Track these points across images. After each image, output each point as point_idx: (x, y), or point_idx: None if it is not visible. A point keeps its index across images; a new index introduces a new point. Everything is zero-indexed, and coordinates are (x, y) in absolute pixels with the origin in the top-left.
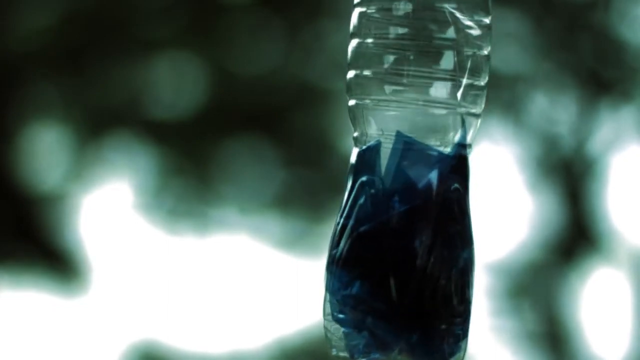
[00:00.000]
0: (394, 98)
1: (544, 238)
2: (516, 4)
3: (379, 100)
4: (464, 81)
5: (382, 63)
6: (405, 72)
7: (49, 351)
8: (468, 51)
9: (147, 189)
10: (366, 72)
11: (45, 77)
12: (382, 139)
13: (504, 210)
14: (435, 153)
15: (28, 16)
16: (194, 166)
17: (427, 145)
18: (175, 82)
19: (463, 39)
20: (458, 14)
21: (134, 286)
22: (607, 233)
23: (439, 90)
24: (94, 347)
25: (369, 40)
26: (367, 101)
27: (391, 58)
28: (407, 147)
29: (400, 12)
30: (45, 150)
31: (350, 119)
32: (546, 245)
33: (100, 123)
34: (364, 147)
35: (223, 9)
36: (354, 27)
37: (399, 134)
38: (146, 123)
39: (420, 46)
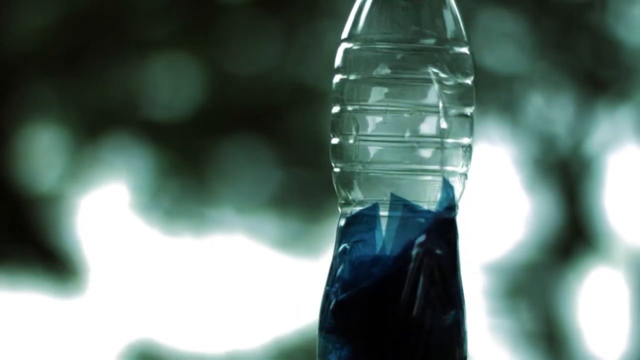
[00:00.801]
0: (378, 161)
1: (541, 238)
2: (512, 4)
3: (365, 164)
4: (448, 141)
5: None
6: (387, 138)
7: (47, 352)
8: (451, 111)
9: (144, 190)
10: (350, 141)
11: (42, 78)
12: (367, 205)
13: (501, 210)
14: (419, 218)
15: (25, 17)
16: (190, 166)
17: (412, 210)
18: (172, 83)
19: (446, 99)
20: (442, 74)
21: (131, 286)
22: (605, 233)
23: (422, 152)
24: (92, 347)
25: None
26: (355, 168)
27: (376, 119)
28: (392, 214)
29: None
30: (42, 151)
31: (335, 184)
32: (543, 245)
33: (97, 123)
34: (349, 214)
35: (220, 9)
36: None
37: (392, 199)
38: (143, 123)
39: (403, 108)
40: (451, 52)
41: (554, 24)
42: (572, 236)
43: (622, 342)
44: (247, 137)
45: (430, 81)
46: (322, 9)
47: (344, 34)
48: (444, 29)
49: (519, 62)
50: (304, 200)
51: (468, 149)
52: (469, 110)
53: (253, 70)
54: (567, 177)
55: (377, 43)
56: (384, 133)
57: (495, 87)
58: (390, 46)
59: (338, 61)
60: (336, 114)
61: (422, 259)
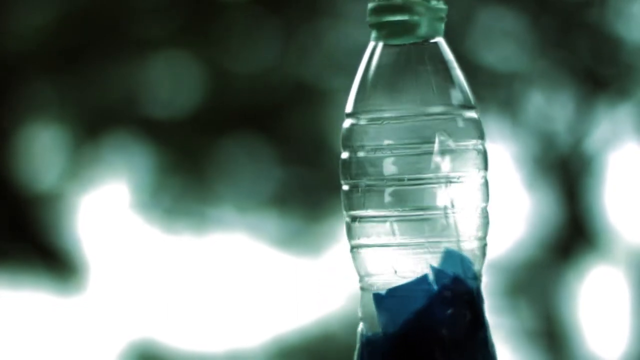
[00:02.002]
0: (394, 242)
1: (541, 236)
2: (512, 2)
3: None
4: (459, 211)
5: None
6: (401, 213)
7: (47, 350)
8: (462, 178)
9: (144, 188)
10: (365, 217)
11: (42, 77)
12: (390, 283)
13: (501, 208)
14: (418, 293)
15: (24, 16)
16: (191, 165)
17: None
18: (171, 81)
19: (457, 167)
20: (452, 142)
21: (131, 285)
22: (605, 231)
23: (435, 225)
24: (92, 346)
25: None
26: (370, 244)
27: (386, 192)
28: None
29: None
30: (42, 150)
31: (353, 263)
32: (543, 243)
33: (97, 122)
34: (376, 291)
35: (219, 8)
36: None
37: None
38: (143, 122)
39: (413, 181)
40: (461, 118)
41: (554, 22)
42: (572, 234)
43: (622, 340)
44: (247, 135)
45: (440, 151)
46: (322, 8)
47: (348, 109)
48: (452, 95)
49: (519, 60)
50: (304, 199)
51: (484, 213)
52: (483, 174)
53: (253, 69)
54: (567, 175)
55: (382, 115)
56: (392, 207)
57: (495, 85)
58: (396, 118)
59: (343, 137)
60: (346, 191)
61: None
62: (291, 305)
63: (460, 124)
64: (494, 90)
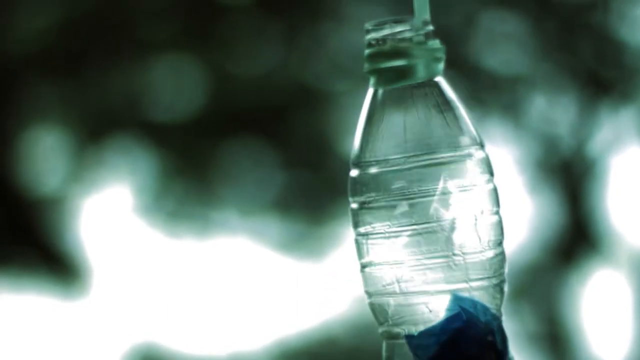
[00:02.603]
0: (410, 291)
1: (543, 239)
2: (515, 6)
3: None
4: (469, 255)
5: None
6: (417, 258)
7: (50, 354)
8: (474, 218)
9: (147, 191)
10: (367, 269)
11: (45, 80)
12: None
13: (504, 211)
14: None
15: (27, 19)
16: (193, 168)
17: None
18: (174, 85)
19: (468, 207)
20: (460, 183)
21: (134, 289)
22: (607, 234)
23: (450, 270)
24: (95, 349)
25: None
26: (386, 297)
27: (396, 242)
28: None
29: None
30: (45, 153)
31: (373, 312)
32: (546, 247)
33: (100, 125)
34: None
35: (222, 11)
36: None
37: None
38: (146, 125)
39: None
40: (468, 158)
41: (557, 25)
42: (575, 237)
43: (625, 343)
44: (250, 139)
45: (448, 192)
46: (325, 11)
47: (353, 158)
48: (457, 135)
49: (522, 64)
50: (307, 202)
51: (499, 255)
52: (496, 211)
53: (256, 72)
54: (570, 179)
55: (388, 162)
56: (403, 252)
57: (498, 88)
58: (403, 163)
59: (351, 187)
60: (355, 238)
61: None
62: (294, 308)
63: (468, 164)
64: (497, 94)
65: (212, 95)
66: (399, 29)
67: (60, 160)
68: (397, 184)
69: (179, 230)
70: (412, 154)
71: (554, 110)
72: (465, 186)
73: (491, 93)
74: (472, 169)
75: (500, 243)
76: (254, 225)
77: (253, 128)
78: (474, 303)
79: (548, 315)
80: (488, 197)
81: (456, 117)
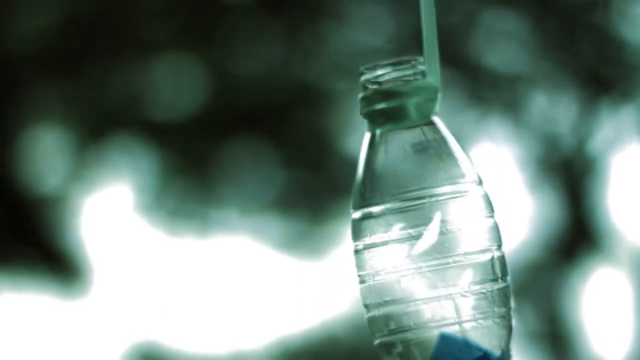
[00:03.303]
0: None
1: (544, 238)
2: (515, 4)
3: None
4: (474, 288)
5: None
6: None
7: (51, 353)
8: (476, 255)
9: (148, 191)
10: (374, 312)
11: (46, 80)
12: None
13: (505, 210)
14: None
15: (28, 18)
16: (194, 167)
17: None
18: (175, 84)
19: (469, 244)
20: (460, 224)
21: (135, 287)
22: (608, 232)
23: (450, 306)
24: (96, 348)
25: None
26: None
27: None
28: None
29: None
30: (46, 152)
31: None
32: (547, 245)
33: (101, 125)
34: None
35: (223, 10)
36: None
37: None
38: (146, 124)
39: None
40: (467, 196)
41: (557, 24)
42: (576, 236)
43: (625, 341)
44: (251, 138)
45: (449, 230)
46: (326, 11)
47: (354, 203)
48: (456, 174)
49: (522, 62)
50: (308, 201)
51: (505, 318)
52: (498, 245)
53: (256, 71)
54: (570, 177)
55: (387, 205)
56: (405, 295)
57: (499, 87)
58: (402, 205)
59: (353, 232)
60: (361, 287)
61: None
62: (294, 307)
63: (467, 201)
64: (498, 92)
65: (212, 95)
66: (392, 70)
67: (61, 159)
68: (398, 225)
69: (179, 229)
70: (411, 194)
71: (554, 108)
72: (465, 224)
73: (492, 91)
74: (471, 206)
75: (504, 277)
76: (255, 224)
77: (253, 127)
78: (465, 344)
79: (549, 314)
80: (489, 234)
81: (453, 156)
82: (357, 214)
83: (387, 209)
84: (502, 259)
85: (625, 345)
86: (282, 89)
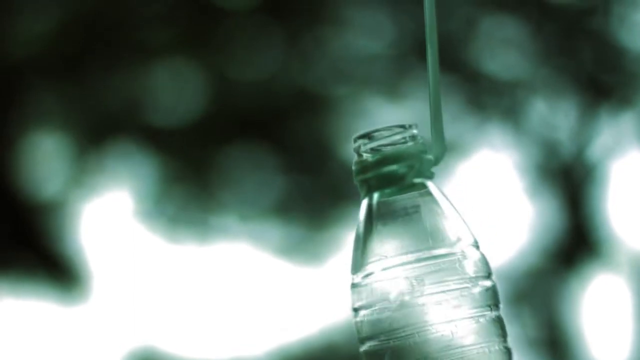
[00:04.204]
0: None
1: (544, 244)
2: (515, 10)
3: None
4: (477, 348)
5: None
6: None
7: (50, 358)
8: (476, 318)
9: (148, 196)
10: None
11: (45, 85)
12: None
13: (504, 216)
14: None
15: (27, 23)
16: (194, 173)
17: None
18: (175, 89)
19: (466, 307)
20: (458, 284)
21: (134, 294)
22: (607, 239)
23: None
24: (95, 354)
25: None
26: None
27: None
28: None
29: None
30: (46, 158)
31: None
32: (546, 251)
33: (101, 130)
34: None
35: (222, 16)
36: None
37: None
38: (146, 130)
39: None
40: (465, 258)
41: (557, 30)
42: (575, 242)
43: (625, 347)
44: (251, 143)
45: (449, 294)
46: (325, 16)
47: (352, 269)
48: (453, 237)
49: (522, 68)
50: (307, 207)
51: (502, 348)
52: (495, 314)
53: (256, 76)
54: (570, 183)
55: (384, 269)
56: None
57: (498, 93)
58: (401, 267)
59: (350, 299)
60: (364, 351)
61: None
62: (294, 313)
63: (465, 264)
64: (497, 98)
65: (212, 100)
66: (386, 136)
67: (61, 164)
68: (396, 289)
69: (179, 235)
70: (409, 258)
71: (554, 115)
72: (463, 287)
73: (491, 98)
74: (468, 269)
75: (504, 338)
76: (254, 230)
77: (253, 133)
78: None
79: (548, 320)
80: (485, 295)
81: (450, 219)
82: (356, 277)
83: (385, 272)
84: (499, 319)
85: (625, 351)
86: (281, 94)
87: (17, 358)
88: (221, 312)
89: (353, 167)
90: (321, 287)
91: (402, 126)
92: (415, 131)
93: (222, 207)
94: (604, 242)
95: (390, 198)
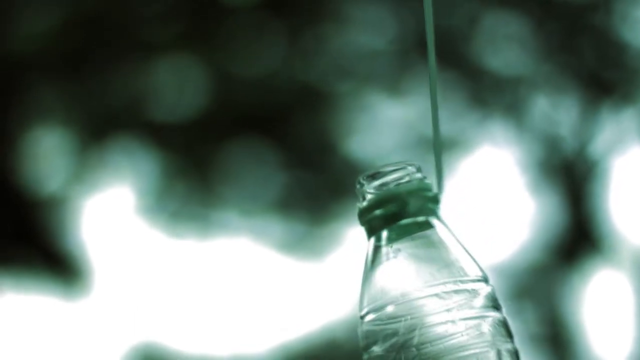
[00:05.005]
0: None
1: (546, 240)
2: (517, 6)
3: None
4: None
5: None
6: None
7: (52, 354)
8: (487, 351)
9: (149, 192)
10: None
11: (47, 81)
12: None
13: (506, 212)
14: None
15: (30, 20)
16: (195, 169)
17: None
18: (176, 85)
19: (478, 340)
20: (469, 320)
21: (136, 289)
22: (609, 235)
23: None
24: (96, 349)
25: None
26: None
27: None
28: None
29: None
30: (47, 154)
31: None
32: (548, 247)
33: (102, 126)
34: None
35: (224, 12)
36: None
37: None
38: (148, 126)
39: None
40: (474, 294)
41: (559, 26)
42: (577, 238)
43: (627, 344)
44: (252, 139)
45: (455, 325)
46: (327, 12)
47: (361, 310)
48: (461, 273)
49: (524, 65)
50: (309, 203)
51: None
52: (510, 346)
53: (258, 73)
54: (571, 180)
55: (394, 309)
56: None
57: (500, 89)
58: (408, 305)
59: (362, 338)
60: None
61: None
62: (295, 309)
63: (474, 300)
64: (499, 95)
65: (214, 96)
66: (389, 176)
67: (63, 160)
68: (405, 325)
69: (180, 230)
70: (416, 295)
71: (556, 111)
72: (473, 322)
73: (493, 94)
74: (477, 304)
75: None
76: (256, 226)
77: (255, 129)
78: None
79: (550, 316)
80: (497, 330)
81: (457, 256)
82: (366, 317)
83: (392, 310)
84: (514, 352)
85: (627, 347)
86: (283, 90)
87: (20, 354)
88: (222, 307)
89: (358, 209)
90: (322, 283)
91: (407, 165)
92: (415, 169)
93: (223, 202)
94: (605, 238)
95: (394, 238)
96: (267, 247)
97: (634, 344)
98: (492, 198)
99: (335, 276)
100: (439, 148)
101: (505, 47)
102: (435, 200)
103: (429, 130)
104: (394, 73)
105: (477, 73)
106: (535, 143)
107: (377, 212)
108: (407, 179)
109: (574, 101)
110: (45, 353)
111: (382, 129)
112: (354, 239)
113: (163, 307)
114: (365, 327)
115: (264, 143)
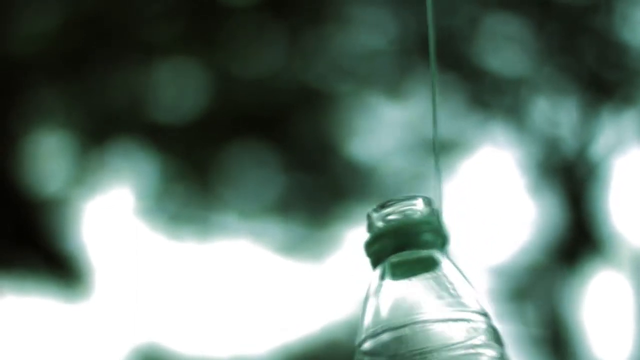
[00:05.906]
0: None
1: (546, 241)
2: (518, 8)
3: None
4: None
5: None
6: None
7: (53, 355)
8: None
9: (149, 194)
10: None
11: (48, 83)
12: None
13: (507, 213)
14: None
15: (30, 21)
16: (195, 171)
17: None
18: (177, 87)
19: None
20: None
21: (136, 291)
22: (609, 236)
23: None
24: (97, 351)
25: None
26: None
27: None
28: None
29: None
30: (48, 156)
31: None
32: (548, 248)
33: (103, 128)
34: None
35: (225, 13)
36: None
37: None
38: (148, 128)
39: None
40: (475, 329)
41: (559, 28)
42: (577, 239)
43: (626, 344)
44: (252, 141)
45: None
46: (327, 13)
47: (360, 339)
48: (464, 307)
49: (525, 66)
50: (309, 205)
51: None
52: None
53: (258, 74)
54: (572, 181)
55: (394, 332)
56: None
57: (501, 90)
58: (409, 334)
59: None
60: None
61: None
62: (295, 310)
63: (475, 334)
64: (500, 96)
65: (214, 98)
66: (395, 209)
67: (63, 162)
68: (404, 353)
69: (180, 232)
70: (418, 326)
71: (556, 112)
72: (472, 355)
73: (494, 95)
74: (478, 339)
75: None
76: (255, 228)
77: (255, 130)
78: None
79: (550, 317)
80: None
81: (461, 290)
82: (363, 345)
83: (392, 339)
84: None
85: (626, 348)
86: (283, 91)
87: (21, 355)
88: (222, 309)
89: (364, 241)
90: (322, 285)
91: (413, 198)
92: (425, 202)
93: (223, 204)
94: (605, 239)
95: (400, 270)
96: (266, 248)
97: (634, 345)
98: (492, 199)
99: (335, 278)
100: (439, 149)
101: (505, 48)
102: (444, 234)
103: (429, 132)
104: (395, 74)
105: (478, 74)
106: (535, 144)
107: (384, 243)
108: (416, 211)
109: (574, 102)
110: (46, 355)
111: (382, 130)
112: (353, 240)
113: (163, 309)
114: (361, 357)
115: (264, 144)
